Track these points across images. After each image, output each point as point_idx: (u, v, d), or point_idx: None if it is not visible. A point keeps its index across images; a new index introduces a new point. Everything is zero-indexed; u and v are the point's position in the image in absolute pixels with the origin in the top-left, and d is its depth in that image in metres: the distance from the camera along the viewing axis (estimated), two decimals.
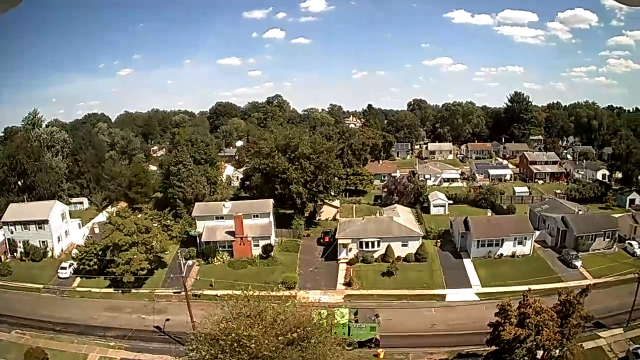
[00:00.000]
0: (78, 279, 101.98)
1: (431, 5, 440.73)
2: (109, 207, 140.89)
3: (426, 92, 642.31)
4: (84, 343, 76.99)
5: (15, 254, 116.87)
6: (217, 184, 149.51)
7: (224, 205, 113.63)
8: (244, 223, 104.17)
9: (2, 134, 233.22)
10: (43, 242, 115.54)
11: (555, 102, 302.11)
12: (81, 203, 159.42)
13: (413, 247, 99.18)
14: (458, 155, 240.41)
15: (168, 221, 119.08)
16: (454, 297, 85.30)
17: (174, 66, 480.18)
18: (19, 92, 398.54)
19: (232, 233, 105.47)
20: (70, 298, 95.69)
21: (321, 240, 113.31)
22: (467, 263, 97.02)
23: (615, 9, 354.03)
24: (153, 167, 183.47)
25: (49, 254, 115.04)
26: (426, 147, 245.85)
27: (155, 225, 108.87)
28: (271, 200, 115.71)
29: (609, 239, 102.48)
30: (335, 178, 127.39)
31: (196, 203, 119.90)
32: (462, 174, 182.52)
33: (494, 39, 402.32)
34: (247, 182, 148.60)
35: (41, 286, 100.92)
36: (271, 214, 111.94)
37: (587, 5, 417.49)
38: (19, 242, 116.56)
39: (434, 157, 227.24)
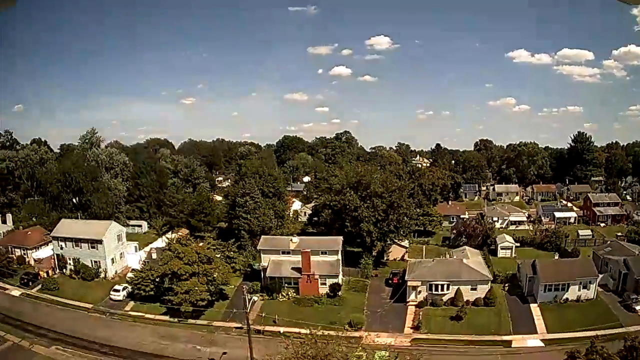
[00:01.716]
0: (132, 303, 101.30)
1: (494, 44, 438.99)
2: (169, 233, 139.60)
3: (491, 132, 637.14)
4: None
5: (64, 270, 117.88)
6: (285, 218, 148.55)
7: (291, 240, 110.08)
8: (312, 260, 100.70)
9: (58, 151, 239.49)
10: (95, 261, 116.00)
11: (614, 141, 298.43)
12: (140, 226, 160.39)
13: (482, 291, 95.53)
14: (524, 197, 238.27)
15: (232, 253, 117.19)
16: (520, 343, 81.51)
17: (239, 98, 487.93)
18: (78, 112, 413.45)
19: (298, 269, 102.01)
20: (121, 321, 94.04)
21: (389, 281, 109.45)
22: (534, 308, 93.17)
23: None
24: (218, 197, 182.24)
25: (102, 275, 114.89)
26: (493, 189, 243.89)
27: (218, 256, 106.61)
28: (341, 238, 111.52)
29: None
30: (406, 218, 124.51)
31: (262, 236, 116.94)
32: (528, 216, 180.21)
33: (554, 78, 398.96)
34: (316, 218, 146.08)
35: (90, 306, 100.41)
36: (340, 252, 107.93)
37: (637, 41, 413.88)
38: (69, 258, 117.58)
39: (501, 199, 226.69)
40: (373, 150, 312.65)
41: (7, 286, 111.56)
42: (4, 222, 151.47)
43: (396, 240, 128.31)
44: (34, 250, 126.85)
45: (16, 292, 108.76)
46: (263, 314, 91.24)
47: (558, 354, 61.39)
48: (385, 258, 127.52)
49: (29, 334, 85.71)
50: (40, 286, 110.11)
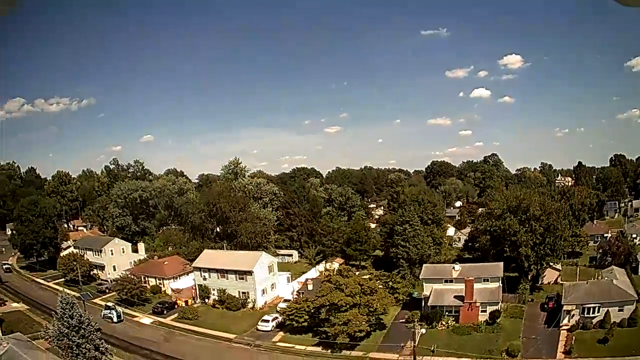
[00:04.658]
0: (281, 334, 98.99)
1: (613, 54, 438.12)
2: (323, 262, 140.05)
3: (623, 145, 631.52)
4: None
5: (206, 300, 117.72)
6: (442, 245, 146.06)
7: (453, 268, 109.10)
8: (474, 287, 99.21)
9: (197, 181, 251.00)
10: (244, 292, 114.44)
11: None
12: (290, 256, 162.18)
13: (628, 311, 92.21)
14: None
15: (396, 283, 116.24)
16: None
17: (383, 125, 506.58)
18: (217, 144, 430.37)
19: (460, 297, 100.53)
20: (267, 353, 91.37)
21: (545, 306, 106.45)
22: None
23: None
24: (371, 225, 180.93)
25: (249, 305, 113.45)
26: (631, 205, 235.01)
27: (381, 287, 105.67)
28: (501, 264, 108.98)
29: None
30: (562, 240, 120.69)
31: (424, 265, 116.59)
32: None
33: None
34: (471, 244, 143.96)
35: (233, 336, 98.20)
36: (500, 279, 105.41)
37: None
38: (213, 289, 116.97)
39: (638, 215, 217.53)
40: (519, 172, 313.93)
41: (138, 314, 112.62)
42: (136, 251, 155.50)
43: (551, 264, 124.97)
44: (172, 280, 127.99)
45: (146, 320, 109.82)
46: (422, 346, 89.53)
47: None
48: (539, 282, 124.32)
49: None
50: (176, 315, 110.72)
